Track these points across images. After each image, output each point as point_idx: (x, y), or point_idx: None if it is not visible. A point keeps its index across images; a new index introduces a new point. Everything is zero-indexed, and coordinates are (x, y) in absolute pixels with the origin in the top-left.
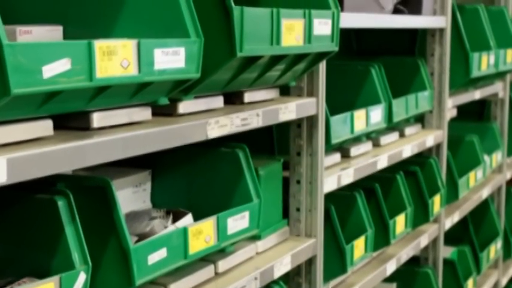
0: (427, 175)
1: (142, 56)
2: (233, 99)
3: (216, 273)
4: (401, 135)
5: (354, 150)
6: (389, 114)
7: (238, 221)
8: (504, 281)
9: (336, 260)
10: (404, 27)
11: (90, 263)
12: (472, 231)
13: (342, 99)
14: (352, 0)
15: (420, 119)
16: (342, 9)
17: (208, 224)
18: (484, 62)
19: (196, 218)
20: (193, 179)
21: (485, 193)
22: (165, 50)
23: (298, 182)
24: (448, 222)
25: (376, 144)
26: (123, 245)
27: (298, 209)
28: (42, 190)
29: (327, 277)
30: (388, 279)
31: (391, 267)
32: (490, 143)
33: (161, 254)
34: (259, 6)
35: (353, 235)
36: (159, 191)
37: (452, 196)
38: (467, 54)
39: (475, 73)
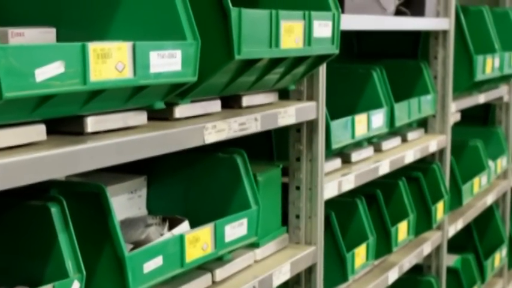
0: (430, 181)
1: (138, 59)
2: (231, 103)
3: (214, 282)
4: (404, 140)
5: (355, 156)
6: (391, 118)
7: (236, 229)
8: None
9: (337, 268)
10: (406, 30)
11: (84, 272)
12: (476, 239)
13: (342, 103)
14: (353, 2)
15: (423, 124)
16: (343, 11)
17: (206, 232)
18: (488, 65)
19: (193, 225)
20: (190, 185)
21: (489, 199)
22: (161, 52)
23: (298, 188)
24: (452, 230)
25: (378, 150)
26: (118, 252)
27: (297, 216)
28: (35, 196)
29: (327, 286)
30: None
31: (393, 275)
32: (495, 148)
33: (157, 262)
34: (257, 8)
35: (354, 243)
36: (155, 197)
37: (455, 202)
38: (471, 57)
39: (479, 76)
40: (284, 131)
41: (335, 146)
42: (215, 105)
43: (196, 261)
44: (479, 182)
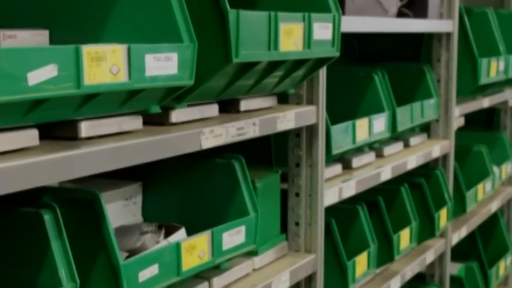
0: (433, 187)
1: (133, 62)
2: (228, 108)
3: None
4: (406, 145)
5: (356, 161)
6: (393, 123)
7: (234, 236)
8: None
9: (337, 277)
10: (409, 32)
11: (78, 281)
12: (480, 247)
13: (343, 108)
14: (354, 3)
15: (426, 129)
16: (343, 13)
17: (203, 239)
18: (493, 68)
19: (190, 232)
20: (187, 191)
21: (494, 206)
22: (157, 55)
23: (297, 194)
24: (455, 237)
25: (380, 155)
26: (113, 261)
27: (297, 223)
28: (27, 203)
29: None
30: None
31: (395, 284)
32: (500, 153)
33: (153, 270)
34: (256, 9)
35: (355, 251)
36: (151, 204)
37: (459, 209)
38: (475, 60)
39: (483, 80)
40: (283, 136)
41: (335, 151)
42: (212, 110)
43: (193, 269)
44: (483, 188)
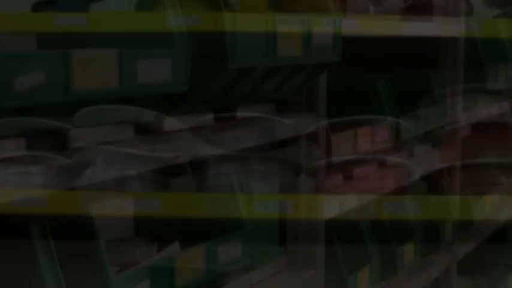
0: (438, 198)
1: (125, 68)
2: (224, 115)
3: None
4: (410, 155)
5: (358, 172)
6: (396, 131)
7: (229, 250)
8: None
9: None
10: (413, 35)
11: None
12: (488, 261)
13: (344, 115)
14: (355, 6)
15: (431, 137)
16: (344, 16)
17: (197, 253)
18: (501, 74)
19: (184, 246)
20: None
21: (503, 218)
22: (150, 61)
23: (296, 206)
24: (462, 251)
25: (382, 165)
26: (103, 275)
27: (296, 237)
28: (14, 216)
29: None
30: None
31: None
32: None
33: (145, 286)
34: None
35: (357, 265)
36: (143, 216)
37: (466, 221)
38: (483, 65)
39: (491, 86)
40: (281, 145)
41: (336, 161)
42: (207, 118)
43: (187, 285)
44: (491, 199)
